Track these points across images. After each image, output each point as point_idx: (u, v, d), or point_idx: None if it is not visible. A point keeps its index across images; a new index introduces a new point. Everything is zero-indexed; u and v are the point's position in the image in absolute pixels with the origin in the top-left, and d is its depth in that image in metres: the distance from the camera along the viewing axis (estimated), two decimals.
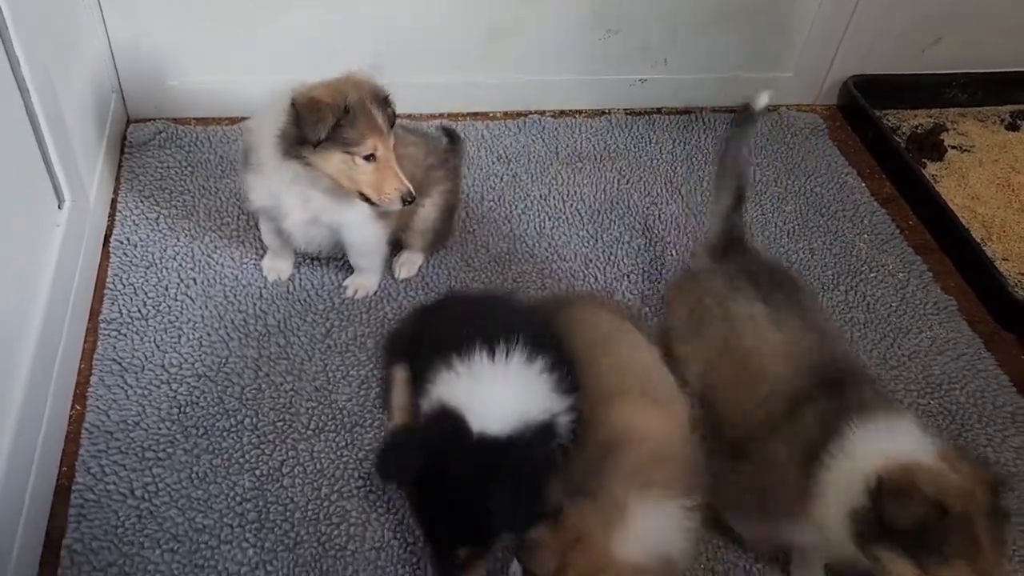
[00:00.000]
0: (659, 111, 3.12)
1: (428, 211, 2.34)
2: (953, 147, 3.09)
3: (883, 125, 3.00)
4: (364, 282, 2.34)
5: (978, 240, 2.71)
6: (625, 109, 3.10)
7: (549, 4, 2.80)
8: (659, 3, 2.88)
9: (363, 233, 2.20)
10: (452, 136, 2.63)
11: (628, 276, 2.49)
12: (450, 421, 1.59)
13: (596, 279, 2.47)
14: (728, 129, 2.21)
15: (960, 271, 2.61)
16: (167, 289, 2.27)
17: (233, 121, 2.80)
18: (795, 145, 3.03)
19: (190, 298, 2.26)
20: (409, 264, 2.41)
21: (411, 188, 1.97)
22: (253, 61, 2.69)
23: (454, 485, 1.55)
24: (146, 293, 2.26)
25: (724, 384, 1.83)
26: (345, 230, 2.18)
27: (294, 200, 2.06)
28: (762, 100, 2.15)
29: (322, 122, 1.87)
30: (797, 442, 1.60)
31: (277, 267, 2.34)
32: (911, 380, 2.29)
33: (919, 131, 3.12)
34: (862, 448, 1.50)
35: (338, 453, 1.98)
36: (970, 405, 2.25)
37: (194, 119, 2.80)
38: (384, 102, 1.98)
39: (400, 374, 1.97)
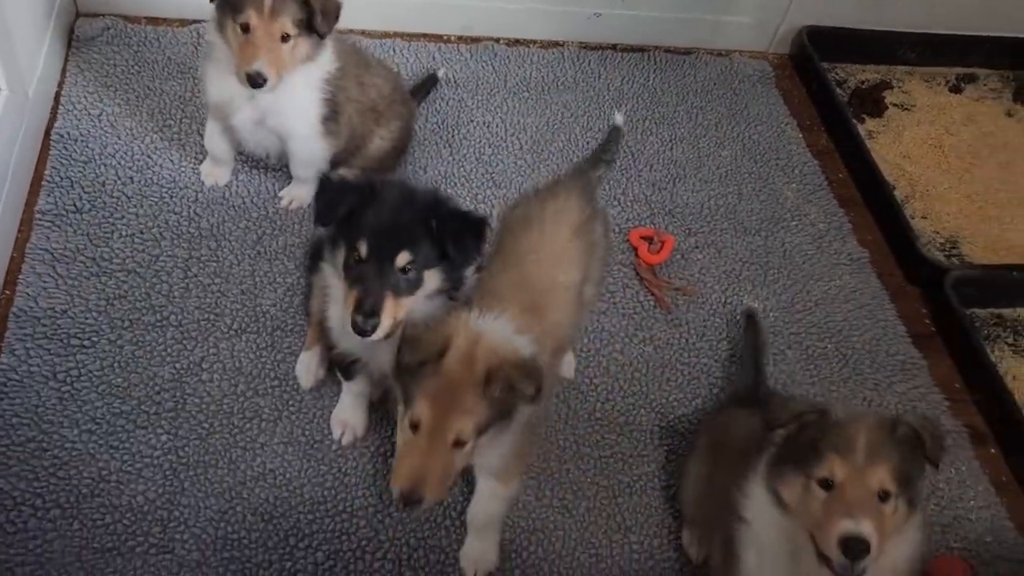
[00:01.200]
0: (613, 47, 3.15)
1: (383, 142, 2.41)
2: (895, 105, 3.16)
3: (827, 78, 3.06)
4: (300, 193, 2.40)
5: (902, 197, 2.82)
6: (580, 43, 3.12)
7: None
8: None
9: (308, 147, 2.26)
10: (432, 80, 2.72)
11: None
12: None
13: None
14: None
15: (879, 226, 2.71)
16: (104, 185, 2.33)
17: (184, 24, 2.80)
18: (741, 91, 3.08)
19: (126, 196, 2.31)
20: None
21: (263, 72, 1.97)
22: None
23: (395, 201, 1.59)
24: (83, 188, 2.31)
25: None
26: (291, 141, 2.24)
27: (244, 97, 2.12)
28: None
29: None
30: None
31: (215, 172, 2.40)
32: (813, 324, 2.42)
33: (863, 86, 3.18)
34: None
35: (257, 354, 2.09)
36: (865, 352, 2.39)
37: (145, 18, 2.80)
38: None
39: (320, 278, 2.04)
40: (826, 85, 3.02)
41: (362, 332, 1.57)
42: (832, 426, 1.48)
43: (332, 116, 2.23)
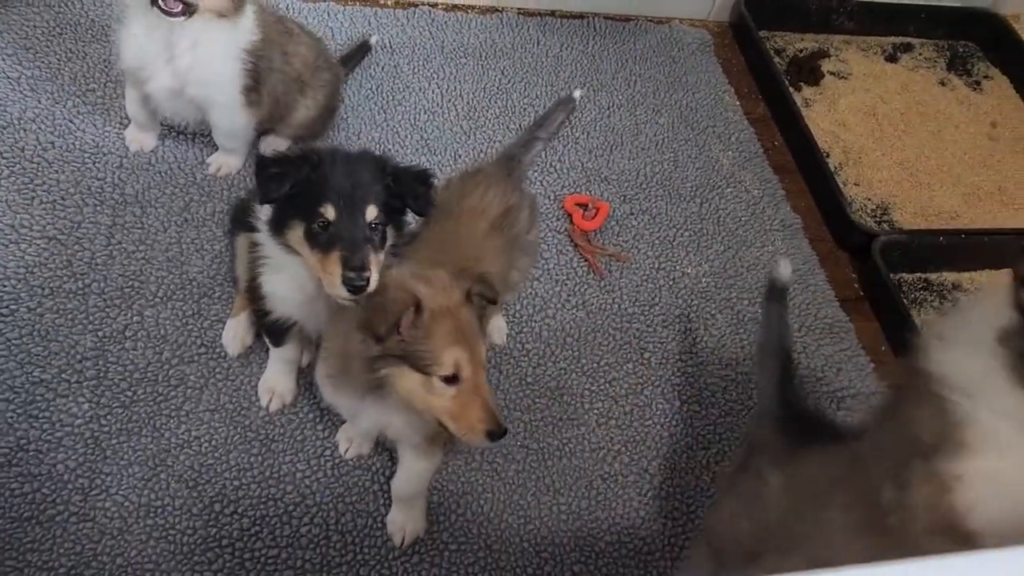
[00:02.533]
0: (552, 13, 3.13)
1: (307, 110, 2.37)
2: (832, 73, 3.19)
3: (764, 46, 3.08)
4: (228, 160, 2.36)
5: (836, 165, 2.86)
6: (519, 8, 3.10)
7: None
8: None
9: (230, 117, 2.22)
10: (364, 47, 2.70)
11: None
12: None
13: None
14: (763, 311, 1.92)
15: (812, 192, 2.75)
16: (23, 151, 2.26)
17: None
18: (680, 59, 3.09)
19: (47, 161, 2.25)
20: (274, 148, 2.42)
21: None
22: None
23: (345, 164, 1.57)
24: (1, 153, 2.24)
25: None
26: (212, 111, 2.20)
27: (160, 62, 2.07)
28: (784, 270, 1.80)
29: None
30: None
31: (140, 138, 2.34)
32: (744, 289, 2.45)
33: (801, 55, 3.21)
34: None
35: (183, 321, 2.06)
36: (794, 316, 2.43)
37: None
38: None
39: (243, 242, 2.01)
40: (763, 53, 3.05)
41: (357, 288, 1.50)
42: None
43: (254, 86, 2.19)
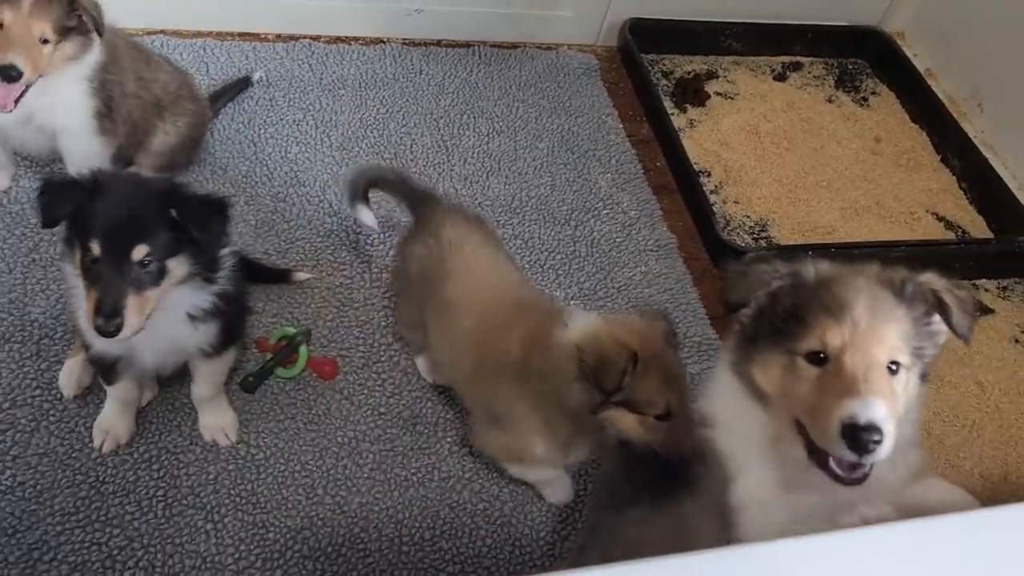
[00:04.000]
0: (438, 43, 3.15)
1: (168, 137, 2.36)
2: (719, 94, 3.22)
3: (646, 68, 3.11)
4: None
5: (716, 184, 2.87)
6: (403, 39, 3.11)
7: None
8: None
9: (82, 144, 2.20)
10: (244, 82, 2.72)
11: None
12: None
13: (330, 205, 2.51)
14: None
15: (689, 211, 2.76)
16: None
17: None
18: (566, 85, 3.11)
19: None
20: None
21: (17, 64, 1.89)
22: None
23: (124, 193, 1.54)
24: None
25: None
26: (62, 138, 2.18)
27: (8, 95, 2.02)
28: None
29: None
30: None
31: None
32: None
33: (688, 76, 3.23)
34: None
35: (20, 363, 2.01)
36: None
37: None
38: None
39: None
40: (645, 76, 3.07)
41: (106, 334, 1.52)
42: (818, 287, 1.24)
43: (106, 112, 2.18)
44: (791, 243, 2.71)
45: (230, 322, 1.82)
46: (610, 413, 1.61)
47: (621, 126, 3.01)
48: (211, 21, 2.91)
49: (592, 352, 1.57)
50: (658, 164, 2.92)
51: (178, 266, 1.60)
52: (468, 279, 1.88)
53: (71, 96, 2.10)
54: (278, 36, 3.00)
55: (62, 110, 2.12)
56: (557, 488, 2.00)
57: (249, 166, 2.57)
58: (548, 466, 1.88)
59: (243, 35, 2.97)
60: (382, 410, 2.12)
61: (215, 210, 1.61)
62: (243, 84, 2.73)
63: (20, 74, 1.92)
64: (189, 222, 1.56)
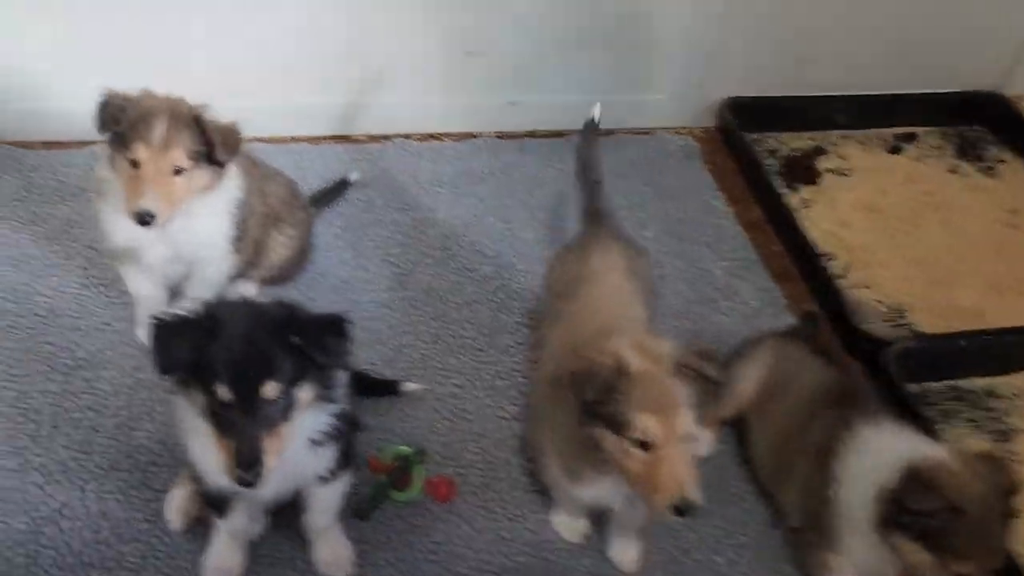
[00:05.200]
0: (531, 134, 3.07)
1: (284, 249, 2.31)
2: (831, 171, 3.04)
3: (751, 147, 2.96)
4: None
5: (842, 267, 2.66)
6: (496, 132, 3.04)
7: (407, 22, 2.75)
8: (523, 24, 2.83)
9: (214, 269, 2.16)
10: (343, 184, 2.66)
11: (469, 305, 2.42)
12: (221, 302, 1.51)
13: (436, 308, 2.40)
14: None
15: (816, 299, 2.55)
16: None
17: (83, 145, 2.73)
18: (667, 169, 2.98)
19: (1, 328, 2.18)
20: (244, 293, 2.34)
21: (152, 209, 1.85)
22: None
23: (242, 326, 1.41)
24: None
25: None
26: (202, 265, 2.13)
27: (152, 236, 1.99)
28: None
29: (101, 115, 1.87)
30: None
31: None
32: None
33: (795, 154, 3.07)
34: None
35: (127, 494, 1.90)
36: None
37: (41, 143, 2.73)
38: (181, 118, 1.89)
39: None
40: (751, 155, 2.92)
41: (248, 485, 1.41)
42: None
43: (240, 235, 2.14)
44: (936, 330, 2.47)
45: (348, 442, 1.68)
46: (595, 431, 1.50)
47: (730, 209, 2.85)
48: (305, 126, 2.89)
49: (580, 358, 1.50)
50: (774, 248, 2.74)
51: (304, 393, 1.48)
52: (587, 302, 1.85)
53: (213, 229, 2.05)
54: (370, 137, 2.96)
55: (207, 243, 2.07)
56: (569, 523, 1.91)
57: (350, 271, 2.47)
58: (565, 495, 1.81)
59: (336, 138, 2.94)
60: (505, 535, 1.93)
61: (334, 329, 1.48)
62: (342, 186, 2.67)
63: (153, 218, 1.88)
64: (311, 347, 1.44)
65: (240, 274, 2.28)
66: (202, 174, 1.95)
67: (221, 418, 1.40)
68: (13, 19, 2.51)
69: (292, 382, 1.43)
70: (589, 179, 2.25)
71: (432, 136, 3.00)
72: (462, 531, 1.92)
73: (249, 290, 2.34)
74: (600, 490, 1.64)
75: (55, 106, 2.68)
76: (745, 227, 2.79)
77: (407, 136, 2.97)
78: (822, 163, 3.04)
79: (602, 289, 1.85)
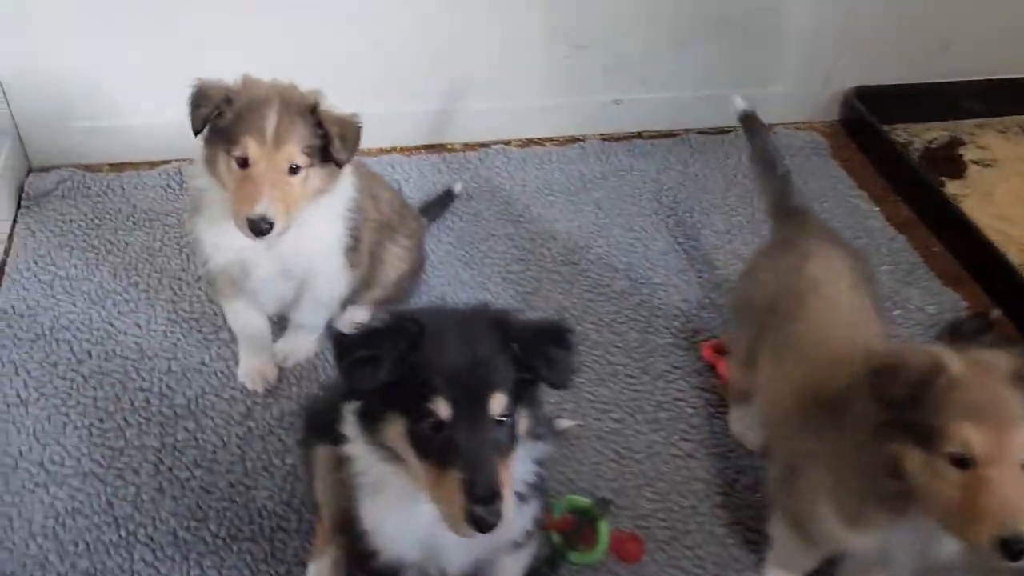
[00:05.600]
0: (639, 135, 2.77)
1: (401, 263, 2.00)
2: (974, 162, 2.74)
3: (893, 140, 2.66)
4: (299, 344, 1.96)
5: (1016, 266, 2.35)
6: (601, 134, 2.75)
7: (503, 22, 2.47)
8: (632, 15, 2.56)
9: (329, 287, 1.85)
10: (448, 196, 2.38)
11: (610, 325, 2.11)
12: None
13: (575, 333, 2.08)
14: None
15: (997, 302, 2.23)
16: (56, 366, 1.89)
17: (153, 165, 2.45)
18: (796, 168, 2.62)
19: (82, 376, 1.87)
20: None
21: (269, 215, 1.55)
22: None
23: (456, 330, 1.13)
24: (29, 372, 1.87)
25: None
26: (316, 281, 1.82)
27: (258, 251, 1.70)
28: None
29: (199, 108, 1.59)
30: None
31: (260, 368, 1.90)
32: None
33: (933, 146, 2.78)
34: None
35: (254, 568, 1.58)
36: None
37: (108, 165, 2.44)
38: (295, 108, 1.60)
39: (324, 458, 1.54)
40: (895, 149, 2.62)
41: (487, 528, 1.07)
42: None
43: (354, 244, 1.83)
44: None
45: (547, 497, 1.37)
46: (895, 447, 1.21)
47: (875, 209, 2.55)
48: (395, 137, 2.60)
49: (882, 354, 1.25)
50: (933, 250, 2.43)
51: (523, 422, 1.17)
52: (821, 324, 1.52)
53: (327, 238, 1.76)
54: (466, 145, 2.67)
55: (319, 254, 1.77)
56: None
57: (470, 292, 2.17)
58: (827, 544, 1.45)
59: (429, 147, 2.65)
60: None
61: (559, 339, 1.17)
62: (447, 198, 2.38)
63: (271, 226, 1.57)
64: (534, 357, 1.13)
65: (351, 298, 1.97)
66: (318, 174, 1.65)
67: (435, 444, 1.09)
68: (70, 32, 2.23)
69: (515, 402, 1.12)
70: (774, 173, 1.94)
71: (533, 142, 2.71)
72: None
73: (361, 316, 2.04)
74: (886, 535, 1.31)
75: (120, 124, 2.41)
76: (897, 228, 2.48)
77: (506, 143, 2.67)
78: (964, 154, 2.74)
79: (830, 303, 1.54)
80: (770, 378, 1.57)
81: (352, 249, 1.82)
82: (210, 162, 1.65)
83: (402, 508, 1.23)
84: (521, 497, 1.25)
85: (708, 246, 2.36)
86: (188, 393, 1.86)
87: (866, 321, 1.54)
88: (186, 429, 1.79)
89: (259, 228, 1.56)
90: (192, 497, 1.68)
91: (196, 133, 1.62)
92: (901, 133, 2.85)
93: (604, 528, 1.63)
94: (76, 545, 1.58)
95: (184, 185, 2.36)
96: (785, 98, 2.81)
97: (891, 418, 1.22)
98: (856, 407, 1.29)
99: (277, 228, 1.58)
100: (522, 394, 1.15)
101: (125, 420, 1.79)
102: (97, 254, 2.15)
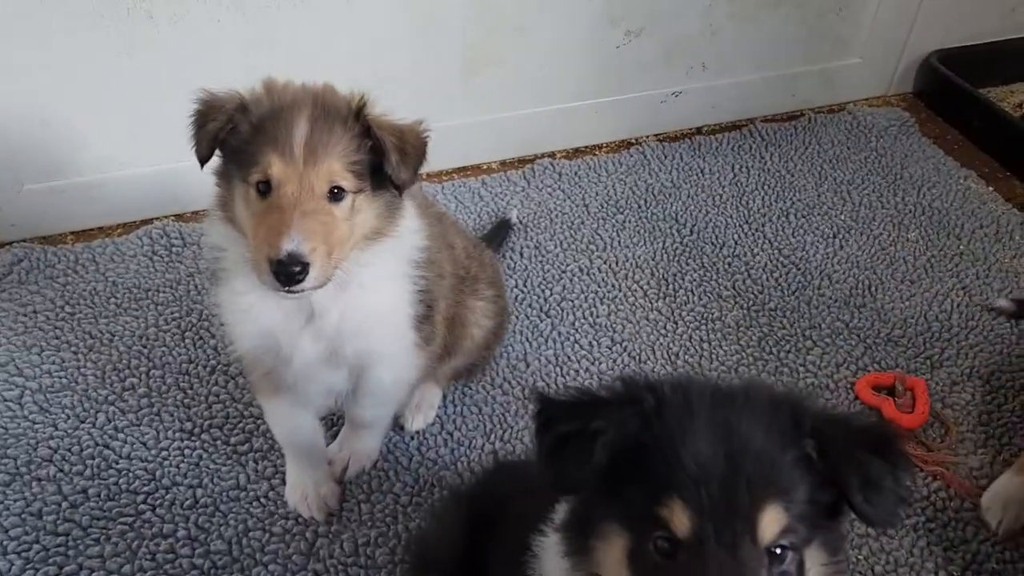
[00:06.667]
0: (699, 131, 2.38)
1: (487, 320, 1.55)
2: None
3: (999, 108, 2.31)
4: (360, 447, 1.51)
5: None
6: (656, 134, 2.35)
7: (540, 8, 2.05)
8: None
9: (398, 371, 1.37)
10: (505, 226, 1.97)
11: (735, 369, 1.70)
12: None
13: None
14: None
15: None
16: (41, 517, 1.40)
17: (128, 228, 1.97)
18: (884, 150, 2.31)
19: (80, 528, 1.39)
20: (425, 407, 1.59)
21: (299, 252, 1.09)
22: (148, 142, 1.88)
23: (713, 410, 0.77)
24: (7, 531, 1.38)
25: None
26: (375, 369, 1.34)
27: (295, 327, 1.25)
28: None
29: (206, 123, 1.15)
30: None
31: (313, 485, 1.43)
32: None
33: None
34: None
35: None
36: None
37: (71, 234, 1.96)
38: (334, 113, 1.15)
39: None
40: (998, 114, 2.28)
41: None
42: None
43: (427, 313, 1.35)
44: None
45: None
46: None
47: (991, 189, 2.19)
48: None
49: None
50: None
51: (815, 568, 0.78)
52: None
53: (389, 302, 1.28)
54: (503, 163, 2.24)
55: (379, 327, 1.29)
56: None
57: (553, 346, 1.74)
58: None
59: (462, 170, 2.21)
60: None
61: (879, 448, 0.78)
62: (503, 229, 1.96)
63: (304, 270, 1.10)
64: (843, 470, 0.76)
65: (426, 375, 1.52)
66: (371, 206, 1.19)
67: (666, 573, 0.72)
68: (8, 76, 1.74)
69: (805, 531, 0.75)
70: None
71: (580, 151, 2.29)
72: None
73: (432, 399, 1.60)
74: None
75: (82, 181, 1.92)
76: (1019, 208, 2.13)
77: (551, 155, 2.25)
78: None
79: None
80: None
81: (424, 319, 1.36)
82: (225, 205, 1.19)
83: None
84: None
85: (819, 256, 1.97)
86: (226, 533, 1.39)
87: None
88: None
89: (287, 272, 1.09)
90: None
91: (203, 161, 1.17)
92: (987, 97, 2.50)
93: None
94: None
95: (174, 250, 1.89)
96: (859, 71, 2.47)
97: None
98: None
99: (314, 275, 1.11)
100: (816, 524, 0.76)
101: None
102: (75, 352, 1.67)
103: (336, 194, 1.15)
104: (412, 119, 1.23)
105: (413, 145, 1.21)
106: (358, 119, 1.17)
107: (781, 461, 0.74)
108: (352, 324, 1.26)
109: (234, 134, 1.15)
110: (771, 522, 0.72)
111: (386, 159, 1.16)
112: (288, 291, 1.12)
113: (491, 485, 1.26)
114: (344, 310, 1.25)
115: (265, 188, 1.13)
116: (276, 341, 1.26)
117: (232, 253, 1.23)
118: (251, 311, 1.24)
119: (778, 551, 0.73)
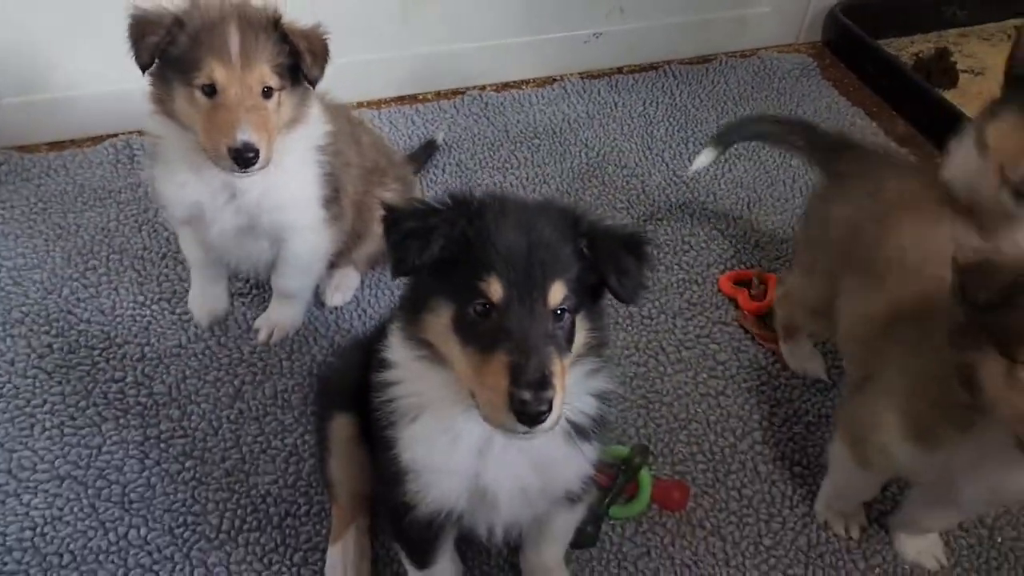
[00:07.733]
0: (619, 70, 2.62)
1: None
2: (964, 71, 2.65)
3: (887, 53, 2.56)
4: (284, 317, 1.78)
5: None
6: (580, 72, 2.59)
7: None
8: None
9: (311, 243, 1.67)
10: (431, 146, 2.21)
11: None
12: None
13: None
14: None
15: None
16: (13, 364, 1.68)
17: (96, 140, 2.22)
18: (786, 91, 2.55)
19: (46, 372, 1.67)
20: (344, 287, 1.86)
21: (251, 140, 1.38)
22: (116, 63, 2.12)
23: (521, 214, 1.02)
24: None
25: None
26: (290, 238, 1.64)
27: (219, 202, 1.53)
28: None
29: (145, 36, 1.39)
30: None
31: (208, 304, 1.77)
32: None
33: (922, 57, 2.67)
34: None
35: (265, 560, 1.42)
36: None
37: (45, 145, 2.21)
38: (257, 24, 1.41)
39: (342, 429, 1.38)
40: (888, 63, 2.52)
41: (534, 417, 0.93)
42: None
43: (334, 195, 1.64)
44: None
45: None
46: (974, 355, 1.10)
47: (875, 124, 2.44)
48: (363, 90, 2.40)
49: (974, 255, 1.12)
50: (938, 161, 2.32)
51: (581, 329, 1.03)
52: (912, 243, 1.39)
53: (299, 183, 1.56)
54: (438, 94, 2.48)
55: (291, 204, 1.58)
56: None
57: None
58: (885, 464, 1.34)
59: (399, 99, 2.46)
60: (767, 542, 1.48)
61: (634, 247, 1.04)
62: (429, 148, 2.21)
63: (256, 155, 1.39)
64: (604, 260, 1.01)
65: (331, 263, 1.79)
66: (290, 100, 1.48)
67: (482, 329, 0.96)
68: None
69: (576, 302, 1.00)
70: (792, 126, 1.87)
71: (508, 85, 2.54)
72: (712, 544, 1.47)
73: (351, 281, 1.87)
74: (948, 457, 1.19)
75: (56, 97, 2.17)
76: (898, 142, 2.38)
77: (481, 88, 2.50)
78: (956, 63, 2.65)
79: (918, 229, 1.41)
80: (855, 300, 1.45)
81: (332, 200, 1.63)
82: (163, 101, 1.46)
83: (444, 430, 1.08)
84: (580, 432, 1.11)
85: (708, 177, 2.23)
86: (167, 379, 1.67)
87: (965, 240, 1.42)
88: (170, 418, 1.61)
89: (244, 158, 1.38)
90: (186, 491, 1.50)
91: (144, 68, 1.42)
92: (887, 48, 2.74)
93: (646, 478, 1.49)
94: (60, 556, 1.40)
95: (136, 159, 2.15)
96: (768, 19, 2.69)
97: (973, 322, 1.10)
98: (941, 313, 1.17)
99: (263, 158, 1.40)
100: (584, 299, 1.02)
101: (100, 415, 1.60)
102: (46, 240, 1.94)
103: (267, 92, 1.43)
104: (314, 23, 1.50)
105: (320, 46, 1.49)
106: (276, 28, 1.43)
107: (564, 251, 0.99)
108: (270, 200, 1.55)
109: (173, 45, 1.41)
110: (556, 291, 0.97)
111: (302, 60, 1.45)
112: (244, 171, 1.41)
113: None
114: (264, 188, 1.53)
115: (210, 90, 1.40)
116: (202, 211, 1.55)
117: (168, 140, 1.51)
118: (185, 187, 1.52)
119: (559, 312, 0.98)
